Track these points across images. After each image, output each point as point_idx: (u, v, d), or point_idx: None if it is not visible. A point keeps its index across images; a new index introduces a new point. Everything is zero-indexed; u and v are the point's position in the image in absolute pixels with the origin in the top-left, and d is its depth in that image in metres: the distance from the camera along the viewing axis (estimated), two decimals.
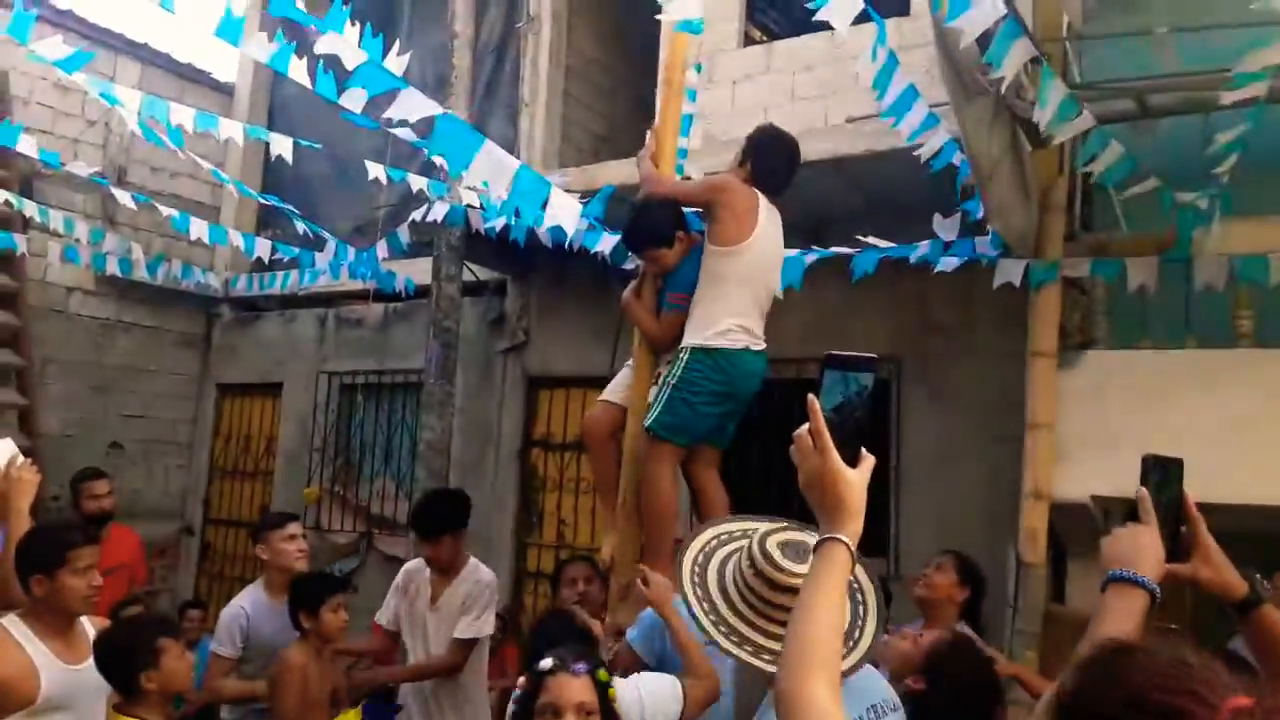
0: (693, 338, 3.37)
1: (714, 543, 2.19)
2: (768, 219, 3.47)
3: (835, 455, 1.41)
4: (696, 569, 2.12)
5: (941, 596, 3.72)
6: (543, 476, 7.40)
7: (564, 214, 3.88)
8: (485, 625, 4.16)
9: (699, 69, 6.38)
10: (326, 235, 7.05)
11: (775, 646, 1.89)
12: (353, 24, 3.51)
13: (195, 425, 9.64)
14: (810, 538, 1.87)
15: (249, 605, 4.20)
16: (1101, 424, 3.98)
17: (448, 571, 4.24)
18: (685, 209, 3.67)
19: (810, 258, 5.20)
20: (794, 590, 1.83)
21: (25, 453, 7.72)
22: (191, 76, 9.57)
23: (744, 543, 2.10)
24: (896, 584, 5.34)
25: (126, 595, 5.30)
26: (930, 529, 5.46)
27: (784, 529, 2.09)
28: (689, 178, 4.85)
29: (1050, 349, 4.21)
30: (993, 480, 5.21)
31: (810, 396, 1.45)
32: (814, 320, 5.80)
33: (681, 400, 3.35)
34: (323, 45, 3.32)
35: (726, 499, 3.64)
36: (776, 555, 1.98)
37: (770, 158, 3.58)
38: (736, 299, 3.39)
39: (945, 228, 4.55)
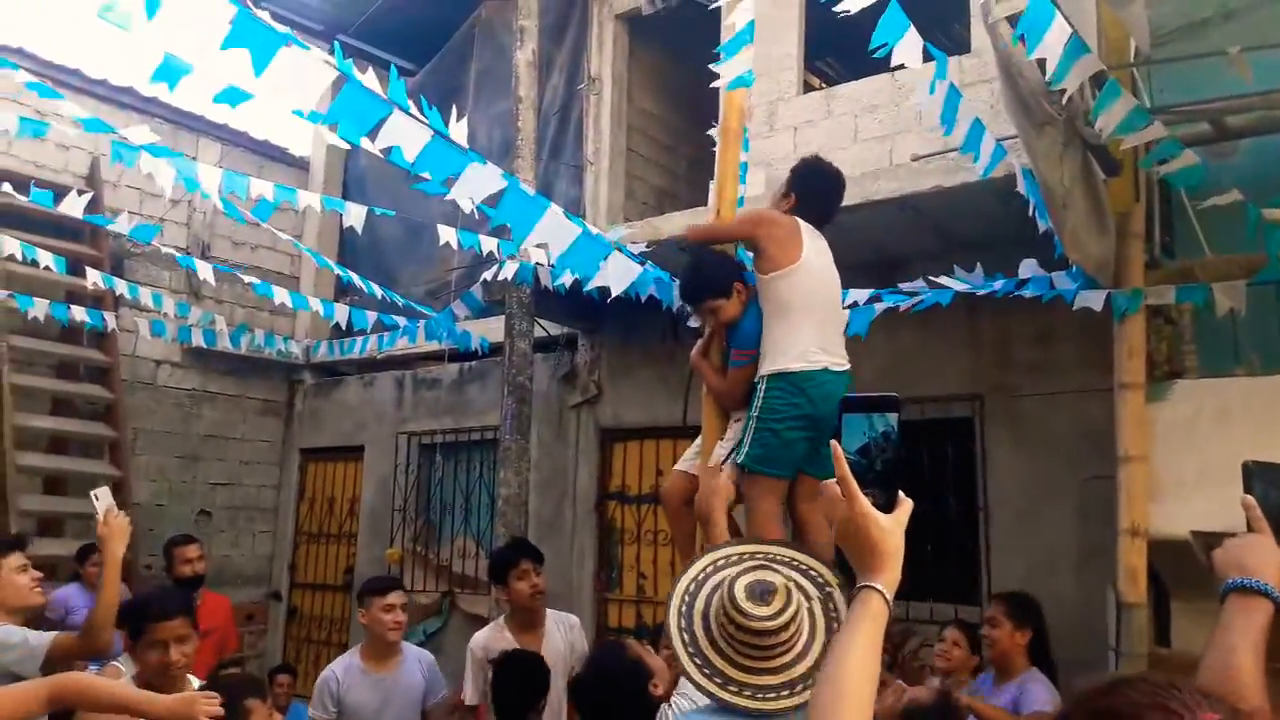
0: (768, 366, 3.33)
1: (710, 568, 2.31)
2: (812, 242, 3.43)
3: (863, 500, 1.37)
4: (687, 597, 2.26)
5: (971, 662, 4.02)
6: (620, 529, 7.37)
7: (615, 275, 3.91)
8: None
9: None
10: (402, 302, 7.21)
11: (741, 678, 2.11)
12: (415, 103, 3.60)
13: (280, 490, 9.85)
14: (774, 576, 2.15)
15: (341, 670, 4.25)
16: (1197, 456, 3.82)
17: (532, 624, 4.23)
18: (734, 250, 3.65)
19: (880, 305, 5.11)
20: (757, 632, 2.08)
21: None
22: (268, 153, 9.95)
23: (728, 573, 2.23)
24: None
25: (218, 660, 5.39)
26: (1023, 573, 5.28)
27: (759, 566, 2.21)
28: None
29: (1138, 380, 4.08)
30: (1085, 519, 5.05)
31: (833, 443, 1.42)
32: (889, 363, 5.71)
33: (768, 430, 3.27)
34: (385, 136, 3.42)
35: (830, 534, 3.53)
36: (740, 598, 2.12)
37: (812, 184, 3.56)
38: (804, 320, 3.33)
39: (1026, 267, 4.46)
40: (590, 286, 4.24)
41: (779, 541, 2.61)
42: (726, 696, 2.11)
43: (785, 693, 2.10)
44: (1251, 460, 1.60)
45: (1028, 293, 4.60)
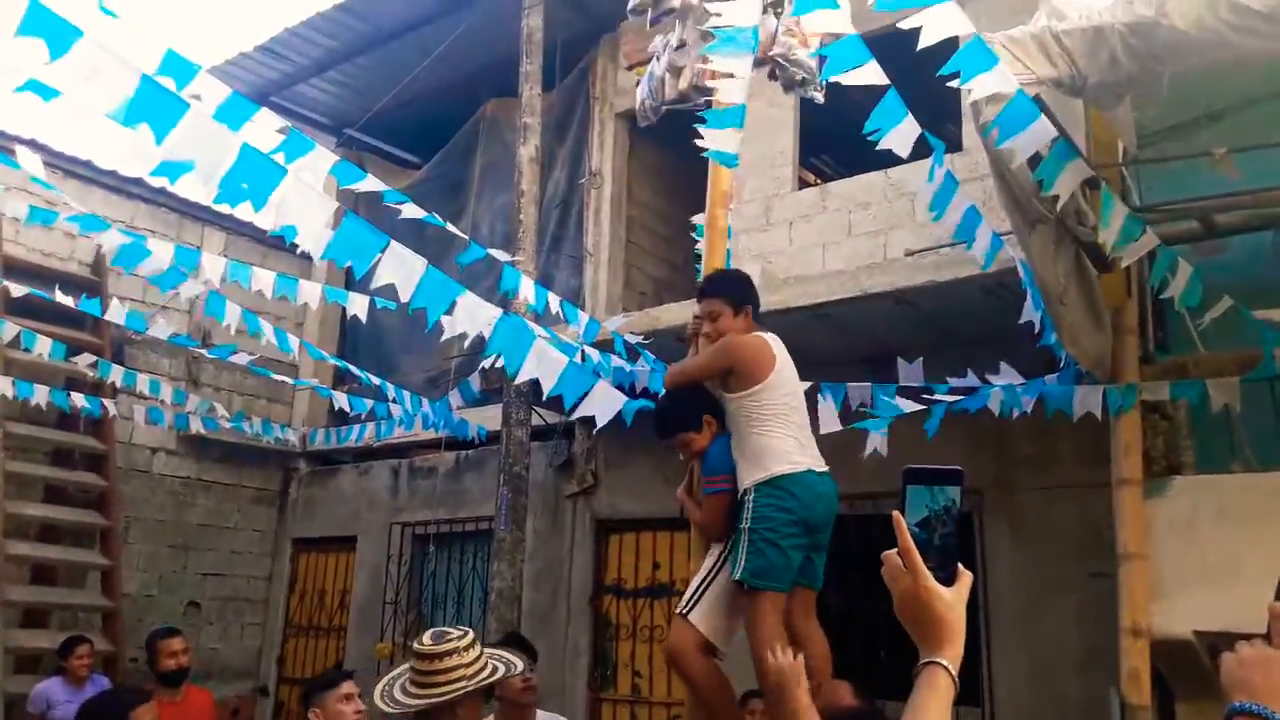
0: (753, 476, 3.30)
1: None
2: (779, 353, 3.45)
3: (927, 573, 1.34)
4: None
5: None
6: (615, 624, 7.23)
7: (600, 405, 4.05)
8: None
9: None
10: (398, 391, 7.22)
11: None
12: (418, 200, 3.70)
13: (271, 581, 9.70)
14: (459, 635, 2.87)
15: None
16: (1198, 554, 3.78)
17: None
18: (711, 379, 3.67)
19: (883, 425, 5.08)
20: (432, 656, 2.78)
21: (106, 615, 7.86)
22: (273, 243, 10.06)
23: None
24: None
25: None
26: (1025, 672, 5.17)
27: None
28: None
29: (1135, 477, 4.05)
30: (1088, 618, 4.95)
31: (895, 513, 1.39)
32: (887, 454, 5.68)
33: (764, 540, 3.19)
34: (383, 268, 3.52)
35: (828, 648, 3.45)
36: (425, 638, 2.84)
37: (752, 293, 3.63)
38: (781, 428, 3.32)
39: (1007, 377, 4.48)
40: (576, 415, 4.29)
41: None
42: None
43: None
44: None
45: (1027, 396, 4.59)
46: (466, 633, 2.90)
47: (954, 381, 4.80)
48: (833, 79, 3.15)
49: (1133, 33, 3.18)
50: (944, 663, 1.32)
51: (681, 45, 4.53)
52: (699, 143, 3.66)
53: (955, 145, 6.08)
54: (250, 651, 9.48)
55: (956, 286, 5.08)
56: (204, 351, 7.65)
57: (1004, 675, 5.32)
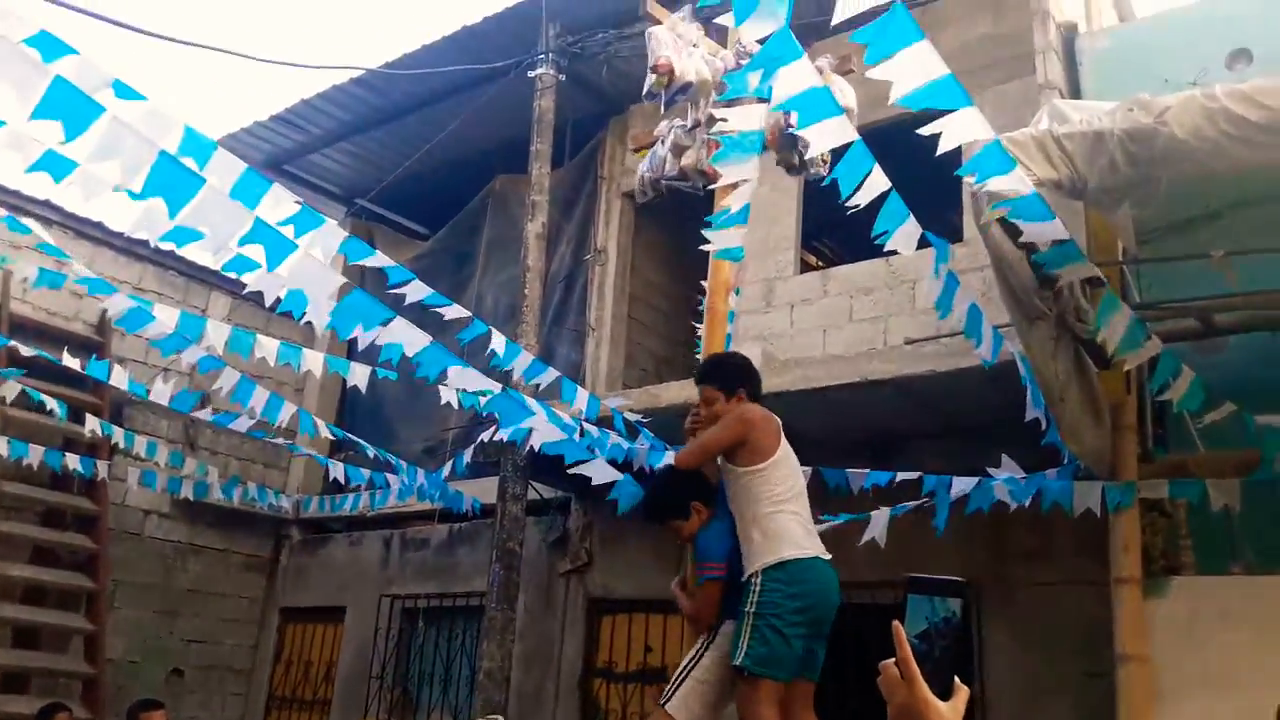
0: (761, 560, 3.26)
1: None
2: (782, 431, 3.47)
3: (924, 686, 1.32)
4: None
5: None
6: (604, 709, 7.09)
7: (597, 471, 4.19)
8: None
9: (738, 292, 6.61)
10: (394, 461, 7.19)
11: None
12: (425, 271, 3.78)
13: (256, 650, 9.53)
14: None
15: None
16: (1198, 658, 3.72)
17: None
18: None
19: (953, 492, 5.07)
20: None
21: (87, 682, 7.69)
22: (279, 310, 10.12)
23: None
24: None
25: None
26: None
27: None
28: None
29: (1134, 575, 4.01)
30: (1086, 719, 4.85)
31: (895, 623, 1.38)
32: (881, 547, 5.63)
33: (769, 627, 3.16)
34: (386, 336, 3.59)
35: None
36: None
37: (752, 375, 3.68)
38: (787, 510, 3.32)
39: (1008, 469, 4.48)
40: (571, 471, 4.43)
41: None
42: None
43: None
44: None
45: (1027, 491, 4.57)
46: None
47: (956, 481, 4.77)
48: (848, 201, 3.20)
49: (1132, 139, 3.24)
50: None
51: (695, 126, 4.62)
52: (704, 247, 3.74)
53: (956, 234, 6.15)
54: None
55: (957, 376, 5.09)
56: (203, 415, 7.64)
57: None
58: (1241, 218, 4.57)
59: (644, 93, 4.39)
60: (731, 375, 3.65)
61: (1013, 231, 3.40)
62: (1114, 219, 4.13)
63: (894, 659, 1.36)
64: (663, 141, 4.73)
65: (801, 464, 5.32)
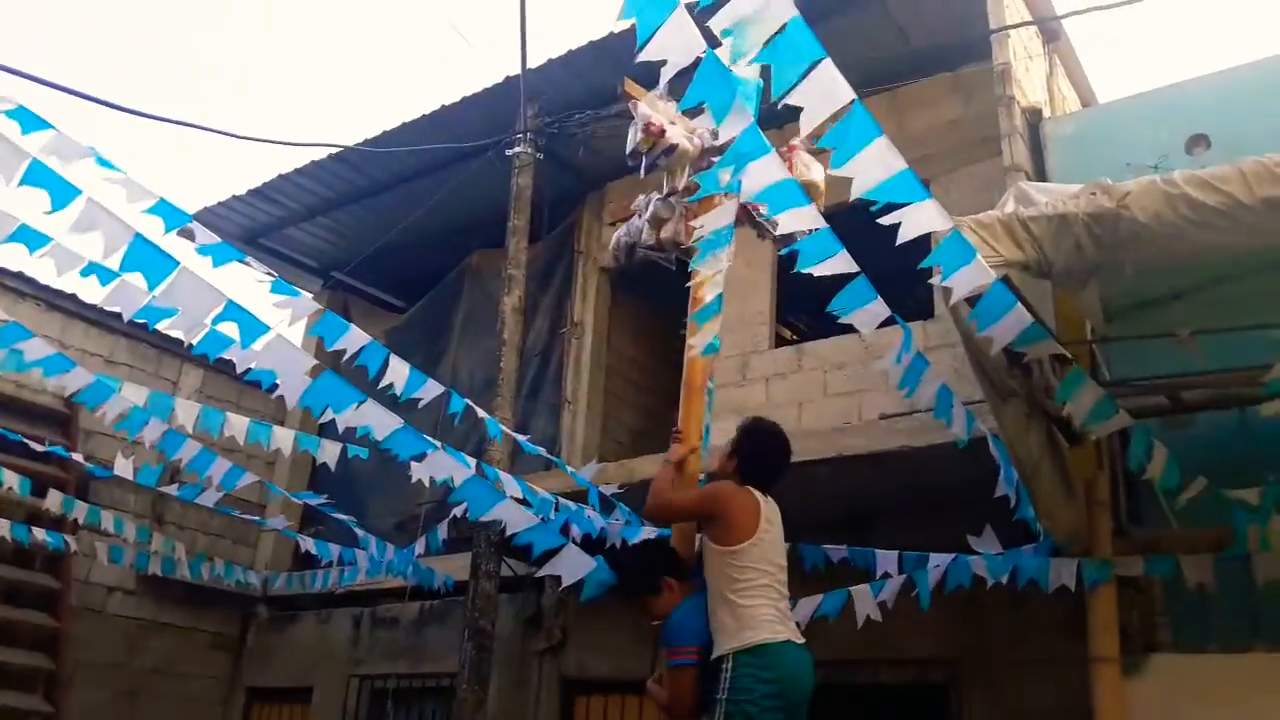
0: (730, 642, 3.20)
1: None
2: (767, 512, 3.42)
3: None
4: None
5: None
6: None
7: (569, 566, 4.15)
8: None
9: (711, 381, 6.66)
10: (365, 534, 7.09)
11: None
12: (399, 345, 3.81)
13: None
14: None
15: None
16: None
17: None
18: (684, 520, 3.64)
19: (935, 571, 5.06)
20: None
21: None
22: (250, 381, 10.05)
23: None
24: None
25: None
26: None
27: None
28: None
29: (1112, 653, 4.00)
30: None
31: None
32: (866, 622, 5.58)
33: (741, 714, 3.08)
34: (358, 417, 3.62)
35: None
36: None
37: (751, 446, 3.61)
38: (761, 595, 3.25)
39: (987, 541, 4.48)
40: (540, 573, 4.37)
41: None
42: None
43: None
44: None
45: (1002, 569, 4.57)
46: None
47: (934, 557, 4.77)
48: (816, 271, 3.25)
49: (1096, 222, 3.32)
50: None
51: (671, 194, 4.67)
52: (689, 353, 3.78)
53: (927, 311, 6.24)
54: None
55: (932, 452, 5.11)
56: (171, 491, 7.51)
57: None
58: (1205, 297, 4.68)
59: (628, 152, 4.43)
60: (742, 438, 3.63)
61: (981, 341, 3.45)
62: (1081, 298, 4.21)
63: None
64: (640, 214, 4.77)
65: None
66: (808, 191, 3.50)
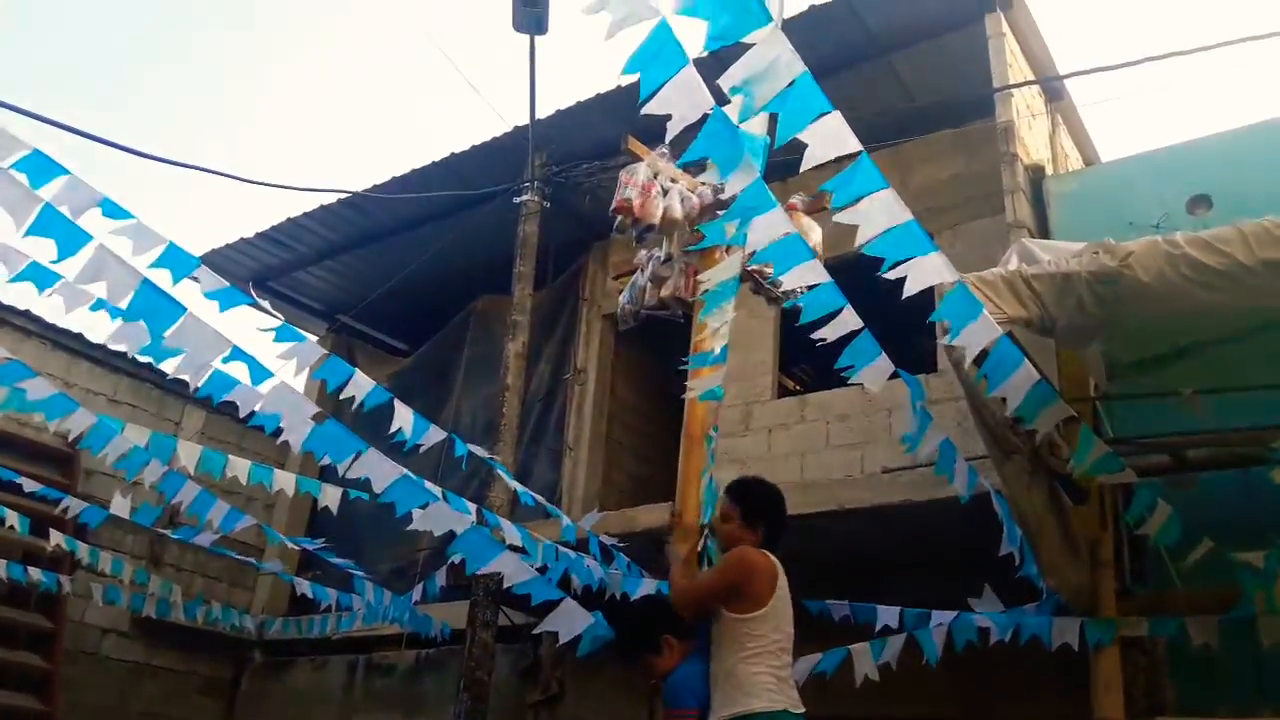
0: (728, 708, 3.18)
1: None
2: (782, 579, 3.41)
3: None
4: None
5: None
6: None
7: (566, 623, 4.16)
8: None
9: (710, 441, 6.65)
10: (362, 579, 7.03)
11: None
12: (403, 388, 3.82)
13: None
14: None
15: None
16: None
17: None
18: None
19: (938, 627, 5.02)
20: None
21: None
22: (253, 425, 10.03)
23: None
24: None
25: None
26: None
27: None
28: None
29: (1117, 715, 3.94)
30: None
31: None
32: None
33: None
34: (358, 468, 3.64)
35: None
36: None
37: (776, 516, 3.58)
38: (765, 663, 3.24)
39: (988, 602, 4.45)
40: (540, 629, 4.36)
41: None
42: None
43: None
44: None
45: (1004, 625, 4.53)
46: None
47: (936, 614, 4.72)
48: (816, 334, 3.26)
49: (1098, 281, 3.35)
50: None
51: (668, 259, 4.73)
52: (686, 395, 3.79)
53: (930, 364, 6.24)
54: None
55: (934, 506, 5.09)
56: (168, 532, 7.48)
57: None
58: (1208, 356, 4.67)
59: (614, 227, 4.51)
60: (757, 505, 3.56)
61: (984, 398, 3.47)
62: (1085, 354, 4.22)
63: None
64: (642, 271, 4.83)
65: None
66: None
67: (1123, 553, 4.43)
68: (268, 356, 3.46)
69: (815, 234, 4.51)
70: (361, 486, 5.97)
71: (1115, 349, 4.61)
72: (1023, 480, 3.73)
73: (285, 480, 5.40)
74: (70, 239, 2.65)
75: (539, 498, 6.07)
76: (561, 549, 5.84)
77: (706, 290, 3.52)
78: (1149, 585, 4.53)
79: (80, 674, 8.30)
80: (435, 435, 4.89)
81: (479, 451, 5.66)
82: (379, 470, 3.68)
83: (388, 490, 3.69)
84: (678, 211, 4.25)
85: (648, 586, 5.51)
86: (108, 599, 7.47)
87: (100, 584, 7.53)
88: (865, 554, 5.89)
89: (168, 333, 2.86)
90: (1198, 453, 4.30)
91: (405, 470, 3.82)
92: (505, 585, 4.27)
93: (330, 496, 5.49)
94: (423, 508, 3.91)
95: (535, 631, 4.56)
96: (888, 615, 5.06)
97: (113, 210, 3.02)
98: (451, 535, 6.44)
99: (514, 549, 6.25)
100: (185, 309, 2.93)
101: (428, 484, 4.71)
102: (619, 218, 4.32)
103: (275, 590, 9.44)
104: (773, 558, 3.42)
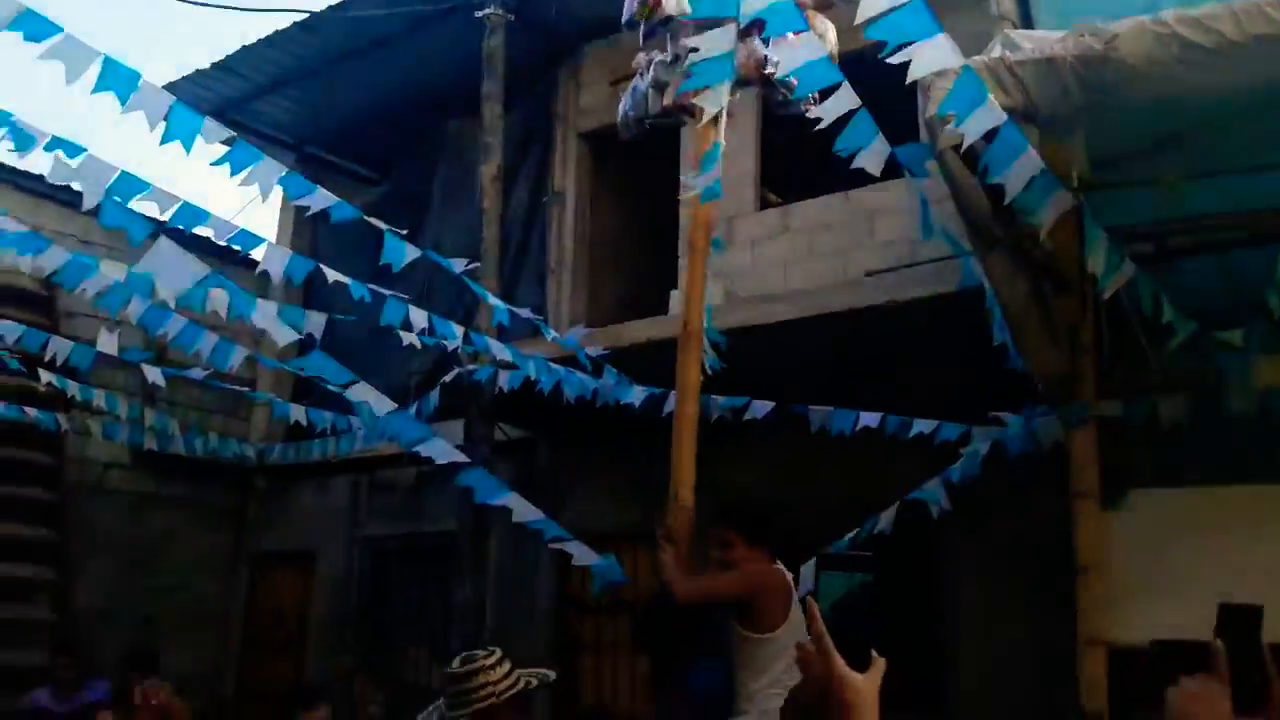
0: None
1: None
2: (795, 595, 3.44)
3: (839, 661, 1.36)
4: None
5: None
6: (579, 639, 7.25)
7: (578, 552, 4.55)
8: None
9: (718, 243, 6.65)
10: (358, 401, 7.14)
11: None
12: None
13: (228, 598, 9.57)
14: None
15: None
16: (1158, 566, 3.90)
17: None
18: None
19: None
20: (460, 677, 2.93)
21: (54, 628, 7.68)
22: (229, 256, 9.93)
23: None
24: None
25: None
26: (987, 681, 5.28)
27: None
28: (717, 345, 4.95)
29: (1092, 489, 4.16)
30: (1049, 628, 5.04)
31: (809, 598, 1.44)
32: (854, 468, 5.76)
33: None
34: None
35: None
36: (455, 662, 3.02)
37: (777, 527, 3.59)
38: (777, 682, 3.27)
39: (982, 437, 4.62)
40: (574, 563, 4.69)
41: None
42: None
43: None
44: (1227, 602, 1.63)
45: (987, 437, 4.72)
46: (493, 652, 3.08)
47: (917, 422, 4.88)
48: (810, 112, 3.22)
49: (1084, 64, 3.30)
50: None
51: (675, 60, 4.53)
52: (684, 195, 3.72)
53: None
54: (208, 668, 9.32)
55: (916, 305, 5.20)
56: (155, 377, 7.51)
57: (964, 683, 5.43)
58: (1190, 145, 4.68)
59: (624, 21, 4.31)
60: (756, 525, 3.53)
61: (969, 159, 3.46)
62: (1068, 145, 4.21)
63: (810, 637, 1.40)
64: (642, 75, 4.63)
65: (765, 399, 5.46)
66: None
67: (1102, 340, 4.56)
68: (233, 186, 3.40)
69: (831, 34, 4.34)
70: (345, 311, 6.03)
71: (1099, 139, 4.59)
72: (1006, 272, 3.80)
73: (267, 310, 5.37)
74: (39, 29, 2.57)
75: (524, 312, 6.10)
76: (551, 364, 5.96)
77: (701, 59, 3.37)
78: (1128, 372, 4.68)
79: (89, 506, 8.56)
80: (412, 254, 4.88)
81: (458, 265, 5.64)
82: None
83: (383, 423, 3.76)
84: (686, 6, 4.07)
85: (638, 394, 5.65)
86: (106, 434, 7.61)
87: (97, 421, 7.64)
88: (852, 363, 6.03)
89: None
90: (1179, 240, 4.37)
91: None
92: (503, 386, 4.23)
93: (315, 324, 5.52)
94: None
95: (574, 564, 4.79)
96: (869, 419, 5.23)
97: (37, 27, 2.89)
98: (442, 358, 6.55)
99: (503, 364, 6.42)
100: (139, 74, 2.86)
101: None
102: (636, 7, 4.10)
103: (272, 419, 9.66)
104: (788, 576, 3.44)
